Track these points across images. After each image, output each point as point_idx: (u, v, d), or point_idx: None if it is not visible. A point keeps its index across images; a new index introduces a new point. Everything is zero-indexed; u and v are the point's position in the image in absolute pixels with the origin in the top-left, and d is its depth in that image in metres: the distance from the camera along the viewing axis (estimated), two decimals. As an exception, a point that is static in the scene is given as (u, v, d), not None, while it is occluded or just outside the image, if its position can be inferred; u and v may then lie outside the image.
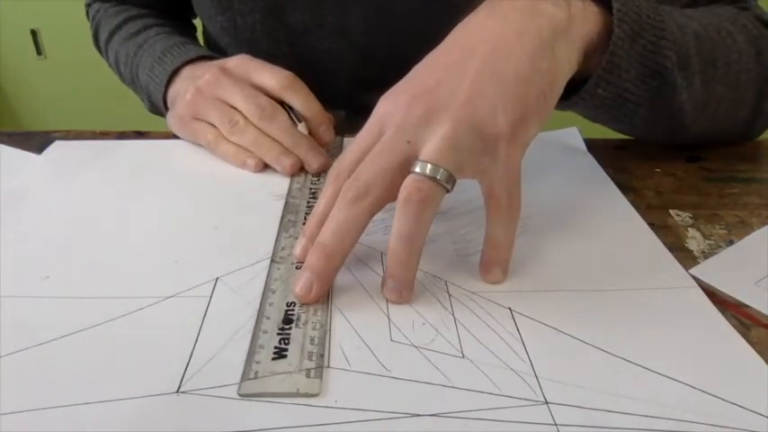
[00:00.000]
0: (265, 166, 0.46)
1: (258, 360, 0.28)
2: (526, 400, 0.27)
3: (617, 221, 0.40)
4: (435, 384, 0.27)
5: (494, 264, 0.34)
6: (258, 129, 0.46)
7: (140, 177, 0.46)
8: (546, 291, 0.33)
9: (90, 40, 0.68)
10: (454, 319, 0.31)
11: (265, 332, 0.30)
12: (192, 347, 0.29)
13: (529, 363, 0.28)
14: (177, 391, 0.27)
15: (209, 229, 0.39)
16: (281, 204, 0.42)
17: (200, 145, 0.49)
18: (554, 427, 0.25)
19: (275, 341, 0.29)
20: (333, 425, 0.25)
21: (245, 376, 0.27)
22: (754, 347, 0.30)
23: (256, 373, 0.27)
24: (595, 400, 0.26)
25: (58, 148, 0.50)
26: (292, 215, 0.40)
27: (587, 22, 0.36)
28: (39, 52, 1.87)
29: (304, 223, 0.39)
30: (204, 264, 0.35)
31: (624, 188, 0.44)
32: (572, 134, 0.52)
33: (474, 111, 0.32)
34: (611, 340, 0.30)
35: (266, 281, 0.34)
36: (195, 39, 0.68)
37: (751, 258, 0.37)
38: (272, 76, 0.47)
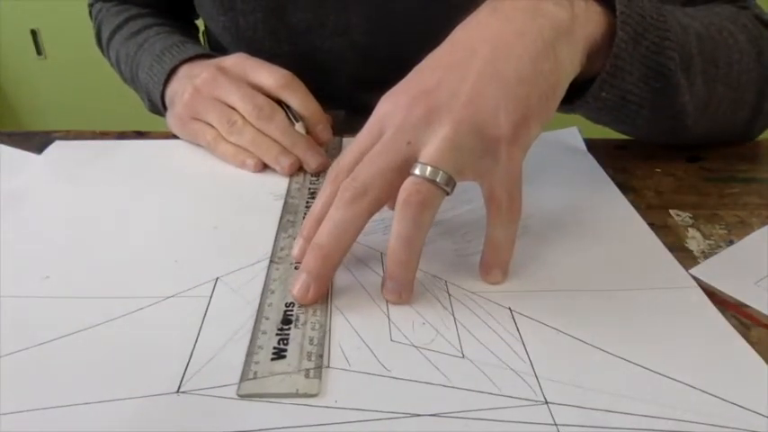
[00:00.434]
0: (265, 166, 0.46)
1: (257, 361, 0.28)
2: (526, 400, 0.27)
3: (617, 221, 0.40)
4: (435, 384, 0.27)
5: (494, 265, 0.34)
6: (256, 129, 0.46)
7: (140, 177, 0.46)
8: (546, 291, 0.33)
9: (90, 40, 0.68)
10: (454, 319, 0.31)
11: (264, 333, 0.30)
12: (192, 347, 0.29)
13: (529, 363, 0.28)
14: (177, 391, 0.27)
15: (209, 229, 0.39)
16: (280, 204, 0.42)
17: (199, 145, 0.49)
18: (554, 427, 0.25)
19: (274, 342, 0.29)
20: (333, 425, 0.25)
21: (243, 377, 0.27)
22: (754, 347, 0.30)
23: (255, 373, 0.27)
24: (595, 400, 0.26)
25: (58, 148, 0.50)
26: (291, 215, 0.40)
27: (590, 22, 0.36)
28: (39, 52, 1.87)
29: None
30: (204, 264, 0.35)
31: (624, 188, 0.44)
32: (572, 134, 0.52)
33: (475, 112, 0.31)
34: (611, 340, 0.30)
35: (265, 281, 0.34)
36: (196, 39, 0.68)
37: (751, 258, 0.37)
38: (269, 76, 0.47)
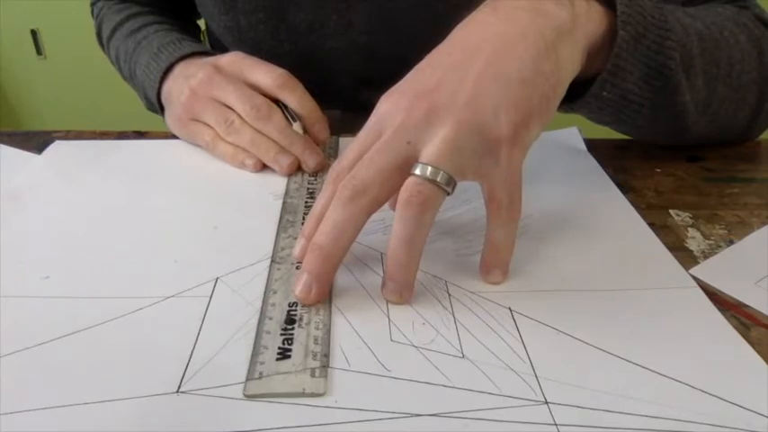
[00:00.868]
0: (264, 166, 0.46)
1: (262, 361, 0.28)
2: (526, 400, 0.27)
3: (617, 221, 0.40)
4: (435, 384, 0.27)
5: (494, 265, 0.34)
6: (254, 129, 0.46)
7: (140, 177, 0.46)
8: (546, 291, 0.33)
9: (90, 40, 0.68)
10: (454, 319, 0.31)
11: (268, 332, 0.30)
12: (192, 347, 0.29)
13: (529, 363, 0.28)
14: (177, 391, 0.27)
15: (209, 229, 0.39)
16: (280, 204, 0.42)
17: (199, 145, 0.49)
18: (554, 427, 0.25)
19: (279, 341, 0.29)
20: (333, 425, 0.25)
21: (249, 376, 0.27)
22: (754, 347, 0.30)
23: (261, 373, 0.27)
24: (595, 400, 0.26)
25: (57, 148, 0.50)
26: (290, 215, 0.40)
27: (591, 22, 0.36)
28: (39, 52, 1.87)
29: (303, 223, 0.39)
30: (204, 264, 0.35)
31: (624, 188, 0.44)
32: (572, 134, 0.52)
33: (476, 112, 0.31)
34: (611, 340, 0.30)
35: (267, 281, 0.34)
36: (197, 37, 0.68)
37: (751, 258, 0.37)
38: (266, 75, 0.47)
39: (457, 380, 0.27)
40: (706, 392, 0.27)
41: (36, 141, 0.51)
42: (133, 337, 0.30)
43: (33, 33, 1.84)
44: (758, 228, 0.40)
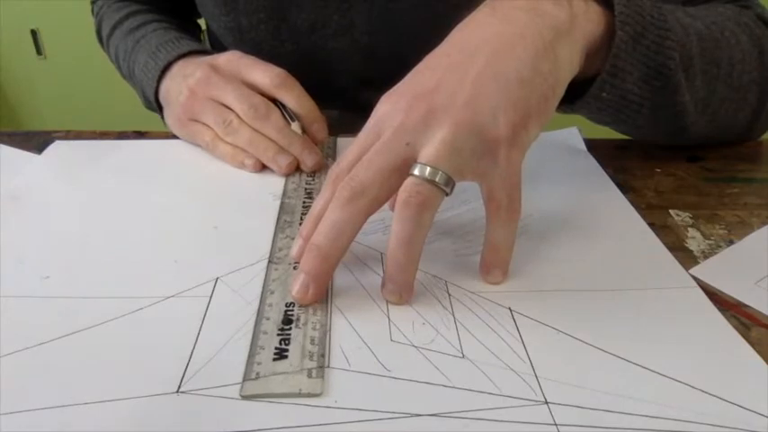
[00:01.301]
0: (264, 166, 0.46)
1: (259, 361, 0.28)
2: (526, 400, 0.27)
3: (617, 221, 0.40)
4: (435, 384, 0.27)
5: (494, 265, 0.34)
6: (252, 128, 0.46)
7: (140, 177, 0.46)
8: (546, 291, 0.33)
9: (90, 40, 0.68)
10: (454, 319, 0.31)
11: (265, 333, 0.30)
12: (192, 347, 0.29)
13: (529, 363, 0.28)
14: (177, 391, 0.27)
15: (209, 229, 0.39)
16: (279, 204, 0.42)
17: (199, 145, 0.49)
18: (554, 427, 0.25)
19: (275, 342, 0.29)
20: (333, 425, 0.25)
21: (246, 377, 0.27)
22: (754, 347, 0.30)
23: (258, 374, 0.27)
24: (595, 400, 0.26)
25: (57, 148, 0.50)
26: (288, 215, 0.40)
27: (589, 22, 0.36)
28: (39, 52, 1.87)
29: (301, 223, 0.39)
30: (204, 264, 0.35)
31: (624, 188, 0.44)
32: (572, 134, 0.52)
33: (474, 113, 0.31)
34: (611, 340, 0.30)
35: (264, 282, 0.34)
36: (197, 37, 0.67)
37: (751, 258, 0.37)
38: (264, 74, 0.47)
39: (457, 380, 0.27)
40: (706, 392, 0.27)
41: (36, 141, 0.51)
42: (133, 337, 0.30)
43: (33, 33, 1.84)
44: (758, 228, 0.40)
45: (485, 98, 0.32)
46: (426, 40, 0.36)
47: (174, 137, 0.52)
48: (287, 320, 0.31)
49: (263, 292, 0.33)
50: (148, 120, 0.64)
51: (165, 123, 0.54)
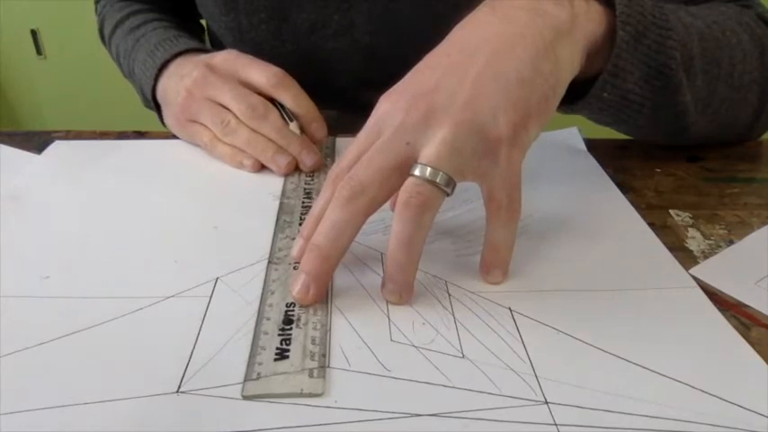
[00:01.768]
0: (263, 166, 0.46)
1: (260, 361, 0.28)
2: (526, 400, 0.27)
3: (617, 221, 0.40)
4: (435, 384, 0.27)
5: (494, 265, 0.34)
6: (251, 128, 0.46)
7: (140, 177, 0.46)
8: (546, 291, 0.33)
9: (90, 40, 0.68)
10: (454, 319, 0.31)
11: (266, 333, 0.30)
12: (192, 347, 0.29)
13: (529, 363, 0.28)
14: (177, 391, 0.27)
15: (209, 229, 0.39)
16: (279, 204, 0.42)
17: (198, 146, 0.49)
18: (554, 427, 0.25)
19: (276, 342, 0.29)
20: (333, 425, 0.25)
21: (247, 377, 0.27)
22: (754, 347, 0.30)
23: (259, 374, 0.27)
24: (595, 400, 0.26)
25: (57, 148, 0.50)
26: (287, 216, 0.40)
27: (591, 22, 0.36)
28: (39, 52, 1.87)
29: (300, 223, 0.39)
30: (204, 264, 0.35)
31: (624, 188, 0.44)
32: (572, 134, 0.52)
33: (475, 113, 0.31)
34: (611, 340, 0.30)
35: (264, 282, 0.34)
36: (197, 36, 0.67)
37: (751, 258, 0.37)
38: (261, 74, 0.47)
39: (457, 380, 0.27)
40: (706, 392, 0.27)
41: (36, 141, 0.51)
42: (133, 337, 0.30)
43: (33, 33, 1.84)
44: (758, 228, 0.40)
45: (485, 98, 0.32)
46: (427, 40, 0.36)
47: (174, 137, 0.52)
48: (287, 320, 0.31)
49: (263, 293, 0.33)
50: (148, 120, 0.64)
51: (162, 123, 0.54)
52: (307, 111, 0.47)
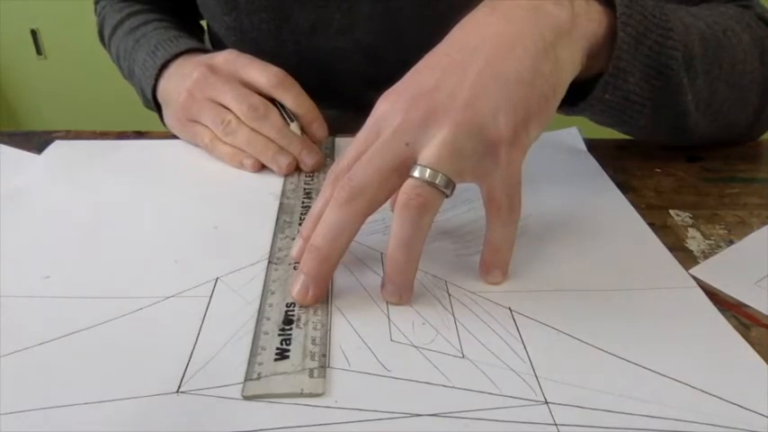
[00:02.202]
0: (263, 166, 0.46)
1: (261, 362, 0.28)
2: (526, 400, 0.27)
3: (617, 221, 0.40)
4: (435, 384, 0.27)
5: (494, 266, 0.34)
6: (251, 128, 0.46)
7: (140, 177, 0.46)
8: (546, 291, 0.33)
9: (90, 40, 0.68)
10: (454, 319, 0.31)
11: (266, 333, 0.30)
12: (192, 347, 0.29)
13: (529, 363, 0.28)
14: (177, 391, 0.27)
15: (209, 229, 0.39)
16: (278, 204, 0.42)
17: (199, 146, 0.49)
18: (554, 427, 0.25)
19: (276, 342, 0.29)
20: (333, 425, 0.25)
21: (247, 377, 0.27)
22: (754, 347, 0.30)
23: (259, 374, 0.27)
24: (595, 400, 0.26)
25: (57, 148, 0.50)
26: (287, 216, 0.40)
27: (591, 22, 0.36)
28: (39, 52, 1.87)
29: (300, 223, 0.39)
30: (204, 264, 0.35)
31: (624, 188, 0.44)
32: (572, 134, 0.52)
33: (474, 114, 0.31)
34: (611, 340, 0.30)
35: (264, 282, 0.34)
36: (197, 36, 0.67)
37: (751, 258, 0.37)
38: (261, 74, 0.47)
39: (457, 380, 0.27)
40: (706, 392, 0.27)
41: (36, 141, 0.51)
42: (133, 337, 0.30)
43: (33, 33, 1.84)
44: (758, 228, 0.40)
45: (485, 98, 0.32)
46: (428, 40, 0.36)
47: (174, 137, 0.52)
48: (288, 321, 0.31)
49: (263, 293, 0.33)
50: (148, 120, 0.64)
51: (163, 123, 0.54)
52: (307, 111, 0.47)
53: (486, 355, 0.29)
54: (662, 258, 0.36)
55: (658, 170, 0.48)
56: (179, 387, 0.27)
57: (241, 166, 0.46)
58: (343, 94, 0.59)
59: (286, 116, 0.47)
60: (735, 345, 0.30)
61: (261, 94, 0.47)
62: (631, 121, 0.42)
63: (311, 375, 0.27)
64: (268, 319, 0.31)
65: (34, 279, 0.34)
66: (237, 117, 0.46)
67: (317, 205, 0.34)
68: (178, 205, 0.42)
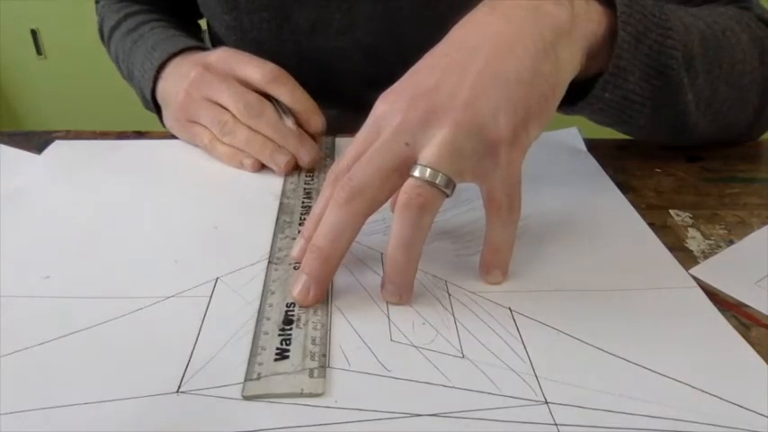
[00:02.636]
0: (263, 166, 0.46)
1: (260, 362, 0.28)
2: (526, 400, 0.27)
3: (617, 221, 0.40)
4: (435, 384, 0.27)
5: (494, 266, 0.34)
6: (248, 127, 0.46)
7: (140, 177, 0.46)
8: (546, 291, 0.33)
9: (90, 40, 0.68)
10: (454, 319, 0.31)
11: (266, 333, 0.30)
12: (192, 347, 0.29)
13: (529, 363, 0.28)
14: (177, 391, 0.27)
15: (209, 229, 0.39)
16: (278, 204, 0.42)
17: (199, 146, 0.49)
18: (554, 426, 0.25)
19: (276, 342, 0.29)
20: (333, 425, 0.25)
21: (247, 377, 0.27)
22: (754, 347, 0.30)
23: (259, 374, 0.27)
24: (595, 400, 0.26)
25: (57, 148, 0.50)
26: (287, 216, 0.40)
27: (591, 22, 0.36)
28: (39, 52, 1.87)
29: (300, 223, 0.39)
30: (204, 264, 0.35)
31: (624, 188, 0.44)
32: (572, 134, 0.52)
33: (474, 114, 0.31)
34: (611, 340, 0.30)
35: (264, 282, 0.34)
36: (196, 36, 0.67)
37: (751, 258, 0.37)
38: (256, 70, 0.46)
39: (457, 380, 0.27)
40: (706, 392, 0.27)
41: (36, 141, 0.51)
42: (133, 337, 0.30)
43: (33, 33, 1.84)
44: (758, 228, 0.40)
45: (485, 98, 0.32)
46: (428, 40, 0.36)
47: (174, 137, 0.51)
48: (288, 321, 0.31)
49: (263, 293, 0.33)
50: (148, 120, 0.64)
51: (162, 124, 0.54)
52: (304, 105, 0.47)
53: (486, 355, 0.29)
54: (662, 258, 0.36)
55: (658, 170, 0.48)
56: (179, 387, 0.27)
57: (241, 165, 0.46)
58: (343, 93, 0.59)
59: (280, 111, 0.46)
60: (735, 345, 0.30)
61: (256, 90, 0.47)
62: (631, 120, 0.42)
63: (311, 375, 0.27)
64: (268, 319, 0.31)
65: (34, 279, 0.34)
66: (234, 116, 0.46)
67: (318, 205, 0.34)
68: (178, 205, 0.42)
